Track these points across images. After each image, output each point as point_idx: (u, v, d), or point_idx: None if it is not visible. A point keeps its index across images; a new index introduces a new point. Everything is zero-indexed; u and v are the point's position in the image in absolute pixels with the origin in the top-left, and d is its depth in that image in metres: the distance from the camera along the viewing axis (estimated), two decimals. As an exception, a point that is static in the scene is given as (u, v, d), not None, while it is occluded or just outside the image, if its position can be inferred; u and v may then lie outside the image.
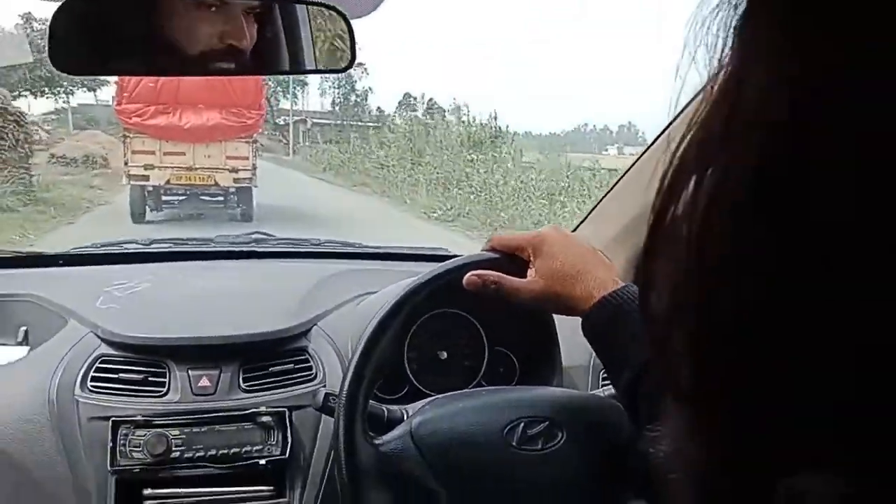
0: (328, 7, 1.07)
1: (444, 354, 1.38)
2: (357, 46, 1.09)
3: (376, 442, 0.96)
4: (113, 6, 1.00)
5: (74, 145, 19.77)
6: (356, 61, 1.10)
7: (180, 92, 10.53)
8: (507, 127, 20.32)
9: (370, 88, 42.87)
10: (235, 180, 11.01)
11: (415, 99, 40.77)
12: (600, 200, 1.52)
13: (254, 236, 1.97)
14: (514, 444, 0.94)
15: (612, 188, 1.49)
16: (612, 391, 1.08)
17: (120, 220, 10.71)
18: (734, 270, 0.29)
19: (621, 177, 1.45)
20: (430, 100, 40.04)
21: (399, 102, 41.13)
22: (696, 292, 0.31)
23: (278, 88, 41.49)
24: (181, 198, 11.33)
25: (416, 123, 29.89)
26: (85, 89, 28.76)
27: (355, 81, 41.74)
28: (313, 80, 43.91)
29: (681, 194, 0.32)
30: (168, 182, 10.89)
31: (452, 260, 1.02)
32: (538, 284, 0.93)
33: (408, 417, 1.00)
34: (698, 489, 0.35)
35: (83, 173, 16.66)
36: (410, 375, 1.34)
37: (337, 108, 42.04)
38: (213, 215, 11.20)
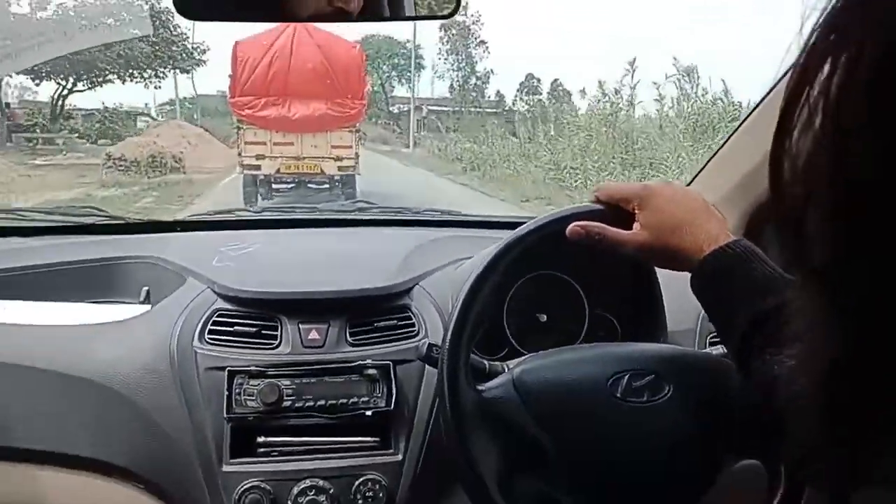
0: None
1: (544, 318, 1.38)
2: None
3: (479, 388, 0.97)
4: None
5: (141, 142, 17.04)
6: (461, 6, 1.10)
7: (289, 84, 10.88)
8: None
9: (492, 70, 38.50)
10: (340, 168, 11.28)
11: (538, 81, 36.73)
12: (714, 154, 1.47)
13: (358, 205, 2.02)
14: (618, 394, 0.93)
15: (726, 141, 1.44)
16: (722, 351, 1.07)
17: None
18: (869, 134, 0.31)
19: (735, 130, 1.40)
20: (556, 81, 36.43)
21: (521, 84, 37.06)
22: (833, 156, 0.33)
23: (392, 73, 39.21)
24: (290, 186, 11.62)
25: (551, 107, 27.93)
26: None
27: (475, 62, 37.82)
28: (429, 63, 41.11)
29: (815, 75, 0.35)
30: (278, 171, 11.26)
31: (554, 212, 1.00)
32: (644, 236, 0.91)
33: (508, 370, 1.01)
34: (821, 398, 0.36)
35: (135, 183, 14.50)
36: (510, 337, 1.36)
37: (455, 92, 37.86)
38: (319, 202, 11.50)
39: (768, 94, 1.27)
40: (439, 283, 1.44)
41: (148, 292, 1.46)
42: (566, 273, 1.38)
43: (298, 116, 10.96)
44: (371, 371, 1.27)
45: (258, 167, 11.16)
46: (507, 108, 35.39)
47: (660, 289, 1.29)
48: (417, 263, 1.48)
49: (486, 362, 1.04)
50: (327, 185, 11.62)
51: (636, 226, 0.92)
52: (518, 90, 37.08)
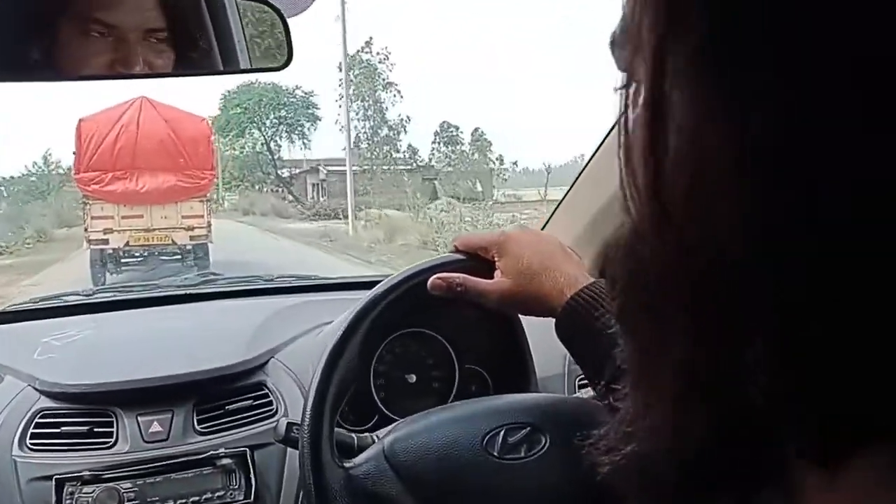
0: (260, 2, 1.00)
1: (413, 378, 1.29)
2: (293, 44, 1.00)
3: (346, 465, 0.88)
4: None
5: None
6: (292, 61, 1.03)
7: (136, 157, 10.82)
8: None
9: (407, 118, 31.25)
10: (192, 237, 11.27)
11: (457, 129, 30.99)
12: (563, 199, 1.45)
13: (202, 277, 1.87)
14: (495, 453, 0.86)
15: (572, 185, 1.42)
16: (592, 394, 1.03)
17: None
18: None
19: (580, 173, 1.39)
20: (476, 129, 31.10)
21: (435, 133, 31.29)
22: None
23: (280, 127, 33.32)
24: (139, 259, 11.46)
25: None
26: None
27: (385, 109, 31.18)
28: (327, 115, 34.66)
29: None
30: (127, 244, 11.07)
31: (414, 265, 0.94)
32: (505, 284, 0.88)
33: (377, 441, 0.91)
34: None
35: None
36: (379, 403, 1.24)
37: (365, 145, 30.51)
38: (171, 274, 11.50)
39: (606, 136, 1.26)
40: (298, 353, 1.31)
41: None
42: (432, 329, 1.29)
43: (147, 189, 10.89)
44: (225, 461, 1.13)
45: (106, 241, 10.91)
46: (420, 163, 30.97)
47: (525, 336, 1.22)
48: (272, 334, 1.35)
49: (354, 436, 0.93)
50: (179, 256, 11.49)
51: (497, 274, 0.89)
52: (435, 140, 31.77)
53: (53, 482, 1.08)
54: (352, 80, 29.90)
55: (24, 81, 1.02)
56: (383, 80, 31.54)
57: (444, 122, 32.88)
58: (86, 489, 1.08)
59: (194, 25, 1.00)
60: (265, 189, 34.35)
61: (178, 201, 11.29)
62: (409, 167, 30.36)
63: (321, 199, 30.83)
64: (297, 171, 33.82)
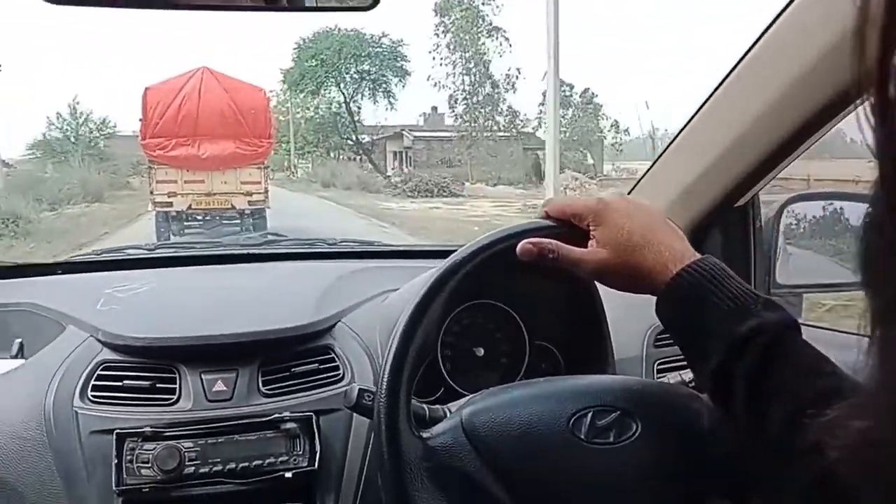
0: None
1: (481, 351, 1.22)
2: None
3: (423, 435, 0.82)
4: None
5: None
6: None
7: (198, 125, 11.24)
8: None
9: (517, 72, 24.94)
10: (250, 202, 11.63)
11: (570, 88, 24.85)
12: (649, 169, 1.34)
13: (266, 238, 1.79)
14: (581, 436, 0.81)
15: (660, 156, 1.30)
16: (682, 379, 0.99)
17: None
18: None
19: (670, 143, 1.27)
20: (586, 91, 25.57)
21: (543, 94, 23.48)
22: None
23: (363, 84, 27.61)
24: (201, 221, 11.87)
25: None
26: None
27: (489, 62, 24.85)
28: (417, 67, 29.98)
29: None
30: (190, 207, 11.51)
31: (499, 230, 0.86)
32: (602, 254, 0.80)
33: (453, 412, 0.85)
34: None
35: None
36: (445, 375, 1.18)
37: (462, 107, 24.91)
38: (231, 236, 12.10)
39: (702, 105, 1.15)
40: (364, 318, 1.26)
41: (21, 345, 1.22)
42: (502, 301, 1.22)
43: (208, 155, 11.29)
44: (289, 425, 1.08)
45: (170, 204, 11.36)
46: (522, 130, 25.37)
47: (605, 314, 1.15)
48: (338, 298, 1.29)
49: (425, 407, 0.87)
50: (238, 219, 11.83)
51: (591, 243, 0.81)
52: (543, 102, 23.80)
53: (114, 437, 1.04)
54: (450, 27, 25.19)
55: (116, 6, 0.95)
56: (488, 24, 25.15)
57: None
58: (147, 446, 1.04)
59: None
60: (341, 157, 30.34)
61: (237, 167, 11.63)
62: (509, 134, 25.24)
63: (404, 169, 26.20)
64: (378, 136, 28.97)
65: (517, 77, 25.08)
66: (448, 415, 0.87)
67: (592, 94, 25.46)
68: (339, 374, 1.16)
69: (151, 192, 11.70)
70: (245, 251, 1.69)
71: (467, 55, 25.15)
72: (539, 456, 0.82)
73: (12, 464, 1.02)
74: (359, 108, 28.83)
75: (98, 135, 28.46)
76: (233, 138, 11.60)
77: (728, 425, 0.77)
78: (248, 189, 11.80)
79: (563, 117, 24.29)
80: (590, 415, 0.82)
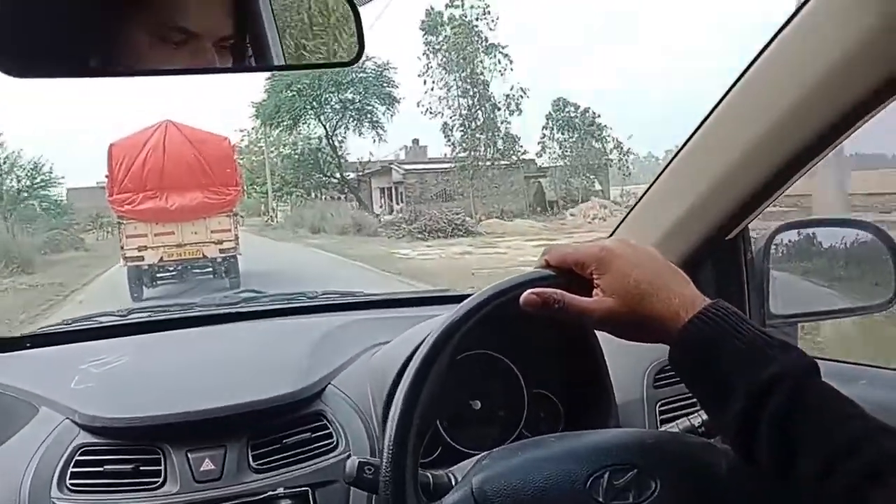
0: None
1: (478, 404, 1.17)
2: (364, 36, 0.88)
3: None
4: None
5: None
6: (364, 52, 0.91)
7: (164, 177, 11.17)
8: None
9: (521, 91, 22.62)
10: (221, 251, 11.59)
11: (575, 109, 23.23)
12: (632, 209, 1.31)
13: (242, 295, 1.72)
14: (600, 498, 0.76)
15: (647, 190, 1.26)
16: (689, 425, 0.96)
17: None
18: None
19: (658, 175, 1.24)
20: (587, 111, 23.47)
21: (548, 116, 23.22)
22: None
23: (346, 115, 24.86)
24: (174, 273, 11.81)
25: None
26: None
27: (487, 82, 22.60)
28: (407, 93, 26.21)
29: None
30: (161, 260, 11.41)
31: (501, 281, 0.82)
32: (609, 303, 0.77)
33: (460, 480, 0.80)
34: None
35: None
36: (442, 432, 1.12)
37: (459, 134, 22.59)
38: (204, 286, 11.45)
39: (690, 138, 1.13)
40: (354, 378, 1.19)
41: None
42: (497, 350, 1.17)
43: (176, 207, 11.21)
44: (285, 502, 1.01)
45: (141, 258, 11.25)
46: (520, 158, 23.01)
47: (604, 360, 1.11)
48: (325, 358, 1.22)
49: (428, 475, 0.82)
50: (210, 269, 11.83)
51: (596, 292, 0.78)
52: (548, 125, 22.94)
53: None
54: (441, 45, 22.48)
55: (80, 77, 0.93)
56: (484, 41, 22.58)
57: (559, 98, 23.49)
58: None
59: (257, 27, 0.95)
60: (324, 196, 27.44)
61: (205, 217, 11.60)
62: (509, 162, 22.68)
63: (395, 206, 23.86)
64: (363, 172, 26.15)
65: (521, 96, 22.61)
66: (454, 481, 0.82)
67: (594, 113, 23.45)
68: (332, 443, 1.09)
69: (122, 248, 11.63)
70: (222, 311, 1.61)
71: (463, 75, 22.47)
72: None
73: None
74: (342, 141, 25.80)
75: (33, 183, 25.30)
76: (200, 188, 11.59)
77: (749, 474, 0.74)
78: (219, 237, 11.79)
79: (566, 141, 23.08)
80: (607, 475, 0.78)
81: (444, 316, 0.81)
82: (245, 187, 30.41)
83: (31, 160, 25.03)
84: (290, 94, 24.47)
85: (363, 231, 20.57)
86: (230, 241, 11.88)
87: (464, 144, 22.81)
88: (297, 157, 27.23)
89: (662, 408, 1.21)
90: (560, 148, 23.37)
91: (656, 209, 1.24)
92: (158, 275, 11.84)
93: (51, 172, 25.37)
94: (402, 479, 0.75)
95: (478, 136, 22.50)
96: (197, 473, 1.02)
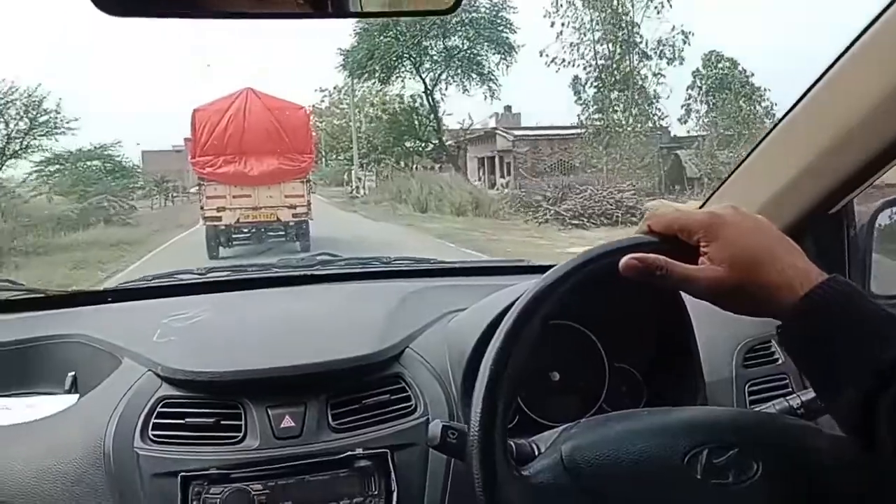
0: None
1: (556, 376, 1.14)
2: None
3: (524, 473, 0.74)
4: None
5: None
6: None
7: (244, 143, 11.60)
8: None
9: (683, 35, 16.93)
10: (294, 215, 11.98)
11: (732, 65, 17.92)
12: (728, 177, 1.25)
13: (319, 258, 1.72)
14: (698, 475, 0.72)
15: (745, 159, 1.20)
16: (787, 406, 0.92)
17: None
18: None
19: (762, 139, 1.17)
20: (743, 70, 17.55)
21: (695, 73, 17.87)
22: None
23: (452, 67, 20.10)
24: (247, 234, 12.29)
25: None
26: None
27: (635, 23, 16.67)
28: (527, 38, 21.26)
29: None
30: (238, 221, 11.90)
31: (597, 246, 0.77)
32: (719, 272, 0.71)
33: (545, 448, 0.77)
34: None
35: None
36: (521, 403, 1.09)
37: (593, 90, 17.03)
38: (276, 249, 11.89)
39: (797, 103, 1.06)
40: (432, 343, 1.16)
41: (74, 379, 1.14)
42: (578, 322, 1.13)
43: (253, 171, 11.64)
44: (363, 463, 1.00)
45: (219, 218, 11.75)
46: (657, 123, 17.92)
47: (695, 335, 1.06)
48: (403, 322, 1.20)
49: (511, 442, 0.78)
50: (282, 231, 12.21)
51: (702, 260, 0.73)
52: (693, 84, 17.51)
53: (179, 479, 0.96)
54: None
55: (172, 17, 0.90)
56: None
57: (711, 52, 17.76)
58: (213, 489, 0.96)
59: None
60: (415, 166, 22.93)
61: (280, 182, 12.00)
62: (646, 129, 17.49)
63: (499, 178, 20.00)
64: (467, 136, 21.08)
65: (685, 41, 16.39)
66: (536, 450, 0.78)
67: (748, 73, 17.92)
68: (411, 406, 1.07)
69: (202, 208, 12.23)
70: (299, 273, 1.60)
71: (603, 16, 16.93)
72: (654, 495, 0.74)
73: None
74: (443, 97, 20.32)
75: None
76: (276, 154, 11.95)
77: (855, 461, 0.70)
78: (292, 202, 12.22)
79: (715, 104, 17.84)
80: (705, 452, 0.73)
81: (535, 280, 0.76)
82: (323, 153, 30.53)
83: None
84: (386, 40, 20.35)
85: (480, 210, 16.38)
86: (303, 206, 12.29)
87: (601, 103, 17.40)
88: (387, 118, 23.42)
89: (752, 388, 1.15)
90: (707, 113, 17.96)
91: (756, 179, 1.16)
92: (234, 236, 12.39)
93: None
94: (491, 445, 0.72)
95: (621, 92, 16.94)
96: (277, 430, 1.01)
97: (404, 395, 1.08)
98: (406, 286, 1.44)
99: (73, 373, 1.15)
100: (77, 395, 1.12)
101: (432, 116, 21.42)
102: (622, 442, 0.76)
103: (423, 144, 22.61)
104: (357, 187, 24.95)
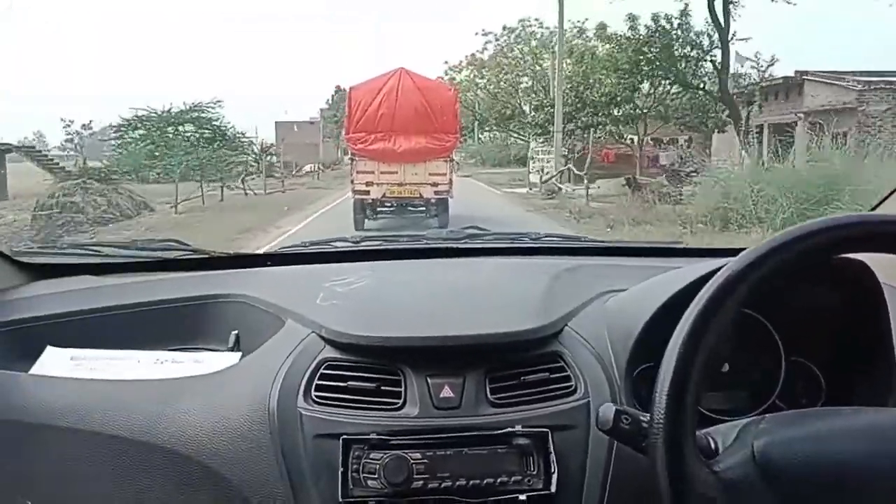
0: None
1: (726, 367, 1.06)
2: None
3: (715, 469, 0.68)
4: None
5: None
6: None
7: (394, 122, 11.99)
8: None
9: None
10: (436, 192, 12.27)
11: None
12: None
13: (467, 231, 1.69)
14: None
15: None
16: None
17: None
18: None
19: None
20: None
21: None
22: None
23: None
24: (391, 208, 12.76)
25: None
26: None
27: None
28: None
29: None
30: (384, 195, 12.33)
31: (800, 225, 0.69)
32: None
33: (731, 443, 0.70)
34: None
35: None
36: None
37: None
38: (417, 224, 12.35)
39: None
40: (590, 322, 1.11)
41: (237, 337, 1.17)
42: (754, 310, 1.05)
43: (402, 149, 12.01)
44: (522, 441, 0.96)
45: (367, 192, 12.28)
46: None
47: (891, 331, 0.96)
48: (560, 299, 1.15)
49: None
50: (423, 207, 12.59)
51: None
52: None
53: (341, 442, 0.96)
54: None
55: None
56: None
57: None
58: (373, 454, 0.95)
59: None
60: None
61: (426, 160, 12.33)
62: None
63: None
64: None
65: None
66: (713, 443, 0.72)
67: None
68: (571, 386, 1.02)
69: (352, 182, 12.83)
70: (449, 245, 1.59)
71: None
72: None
73: (237, 465, 0.96)
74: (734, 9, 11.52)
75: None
76: (423, 133, 12.20)
77: None
78: (435, 180, 12.45)
79: None
80: None
81: (733, 261, 0.70)
82: (477, 121, 27.57)
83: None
84: None
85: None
86: (445, 184, 12.54)
87: None
88: (611, 52, 15.20)
89: None
90: None
91: None
92: (379, 209, 12.80)
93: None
94: (680, 437, 0.66)
95: None
96: (436, 400, 0.99)
97: (564, 374, 1.03)
98: (559, 263, 1.39)
99: (236, 331, 1.18)
100: (240, 354, 1.14)
101: (710, 41, 11.97)
102: (824, 442, 0.68)
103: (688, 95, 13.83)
104: (548, 173, 18.10)
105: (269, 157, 24.51)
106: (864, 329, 1.00)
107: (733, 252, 0.77)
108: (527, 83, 22.56)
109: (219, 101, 18.89)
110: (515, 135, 23.74)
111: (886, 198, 1.26)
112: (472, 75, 25.26)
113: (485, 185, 18.74)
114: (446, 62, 27.82)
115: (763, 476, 0.67)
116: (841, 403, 0.97)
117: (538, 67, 22.07)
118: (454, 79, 25.05)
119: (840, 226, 0.69)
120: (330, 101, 43.15)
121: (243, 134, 20.74)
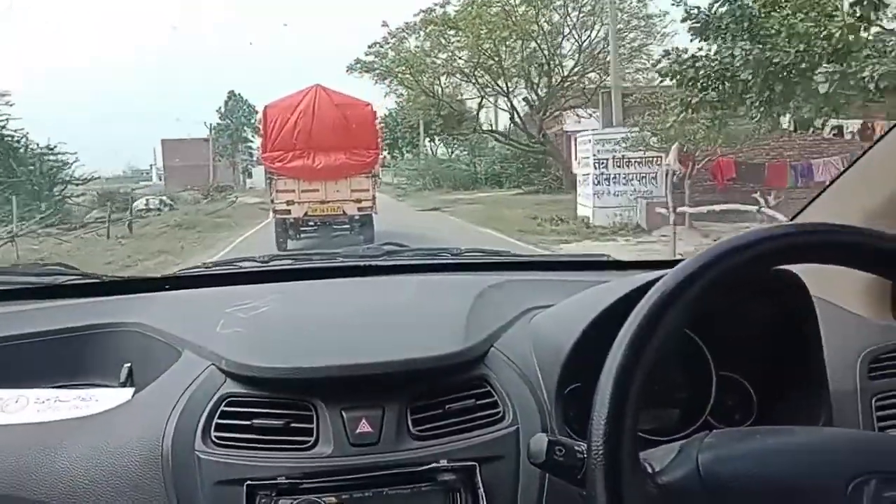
0: None
1: (654, 385, 0.94)
2: None
3: (659, 481, 0.65)
4: None
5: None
6: None
7: (312, 139, 11.81)
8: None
9: None
10: (359, 209, 12.12)
11: None
12: (835, 180, 1.16)
13: (385, 248, 1.58)
14: None
15: (853, 163, 1.11)
16: None
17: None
18: None
19: (859, 157, 1.09)
20: None
21: None
22: None
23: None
24: (314, 227, 12.50)
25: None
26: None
27: None
28: None
29: None
30: (306, 214, 12.11)
31: (735, 236, 0.65)
32: None
33: (673, 458, 0.66)
34: None
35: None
36: None
37: None
38: (341, 241, 11.98)
39: None
40: (517, 341, 1.04)
41: (130, 371, 1.05)
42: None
43: (321, 166, 11.83)
44: (448, 476, 0.88)
45: (289, 211, 12.03)
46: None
47: (821, 342, 0.93)
48: (485, 317, 1.07)
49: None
50: (347, 225, 12.38)
51: None
52: None
53: (245, 489, 0.85)
54: None
55: None
56: None
57: None
58: (282, 501, 0.85)
59: None
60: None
61: (347, 177, 12.14)
62: None
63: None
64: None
65: None
66: (649, 467, 0.67)
67: None
68: (498, 413, 0.94)
69: (272, 201, 12.49)
70: (365, 263, 1.47)
71: None
72: None
73: None
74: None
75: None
76: (343, 150, 12.05)
77: None
78: (358, 196, 12.35)
79: None
80: (873, 482, 0.62)
81: (672, 272, 0.64)
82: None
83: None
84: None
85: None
86: (368, 200, 12.43)
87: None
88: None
89: (879, 402, 1.00)
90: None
91: (867, 187, 1.06)
92: (301, 228, 12.54)
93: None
94: (619, 463, 0.61)
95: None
96: (352, 436, 0.90)
97: (491, 399, 0.96)
98: (481, 279, 1.31)
99: (128, 364, 1.06)
100: (132, 389, 1.02)
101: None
102: (770, 459, 0.65)
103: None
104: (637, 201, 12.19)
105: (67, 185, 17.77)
106: (795, 342, 0.97)
107: (665, 265, 0.72)
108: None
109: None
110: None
111: (811, 202, 1.24)
112: (425, 40, 19.39)
113: (494, 232, 12.14)
114: (368, 45, 23.10)
115: (706, 490, 0.64)
116: (773, 418, 0.95)
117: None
118: (382, 60, 20.96)
119: (781, 235, 0.67)
120: (223, 110, 39.88)
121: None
